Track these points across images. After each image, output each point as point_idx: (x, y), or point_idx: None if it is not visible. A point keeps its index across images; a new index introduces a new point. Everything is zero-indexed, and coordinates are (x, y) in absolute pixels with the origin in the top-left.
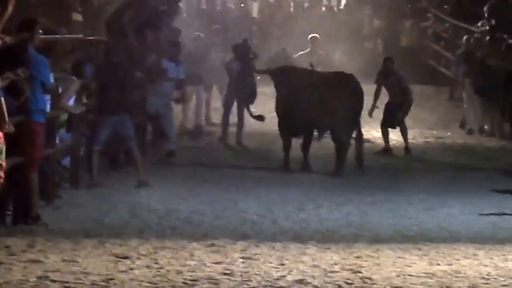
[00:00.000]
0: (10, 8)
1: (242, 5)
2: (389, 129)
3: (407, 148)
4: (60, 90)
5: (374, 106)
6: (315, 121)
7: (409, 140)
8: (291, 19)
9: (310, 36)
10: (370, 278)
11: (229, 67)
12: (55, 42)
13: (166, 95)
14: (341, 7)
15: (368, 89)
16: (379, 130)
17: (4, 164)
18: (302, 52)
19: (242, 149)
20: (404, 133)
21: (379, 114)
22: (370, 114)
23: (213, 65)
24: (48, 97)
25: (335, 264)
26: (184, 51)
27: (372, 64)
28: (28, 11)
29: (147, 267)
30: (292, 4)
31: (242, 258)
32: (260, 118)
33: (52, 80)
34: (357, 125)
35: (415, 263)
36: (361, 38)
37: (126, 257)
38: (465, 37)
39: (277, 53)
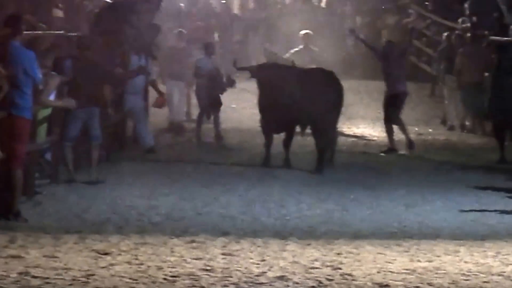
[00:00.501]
0: None
1: (223, 1)
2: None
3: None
4: (41, 86)
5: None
6: (296, 117)
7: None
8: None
9: (302, 32)
10: (350, 275)
11: (200, 65)
12: (35, 38)
13: (137, 92)
14: (322, 4)
15: (350, 85)
16: (360, 126)
17: None
18: (295, 49)
19: (221, 144)
20: (401, 128)
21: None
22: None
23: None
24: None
25: (316, 260)
26: (165, 47)
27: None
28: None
29: (128, 263)
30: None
31: (223, 254)
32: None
33: (40, 76)
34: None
35: (395, 259)
36: (343, 35)
37: (106, 253)
38: (445, 34)
39: (265, 49)
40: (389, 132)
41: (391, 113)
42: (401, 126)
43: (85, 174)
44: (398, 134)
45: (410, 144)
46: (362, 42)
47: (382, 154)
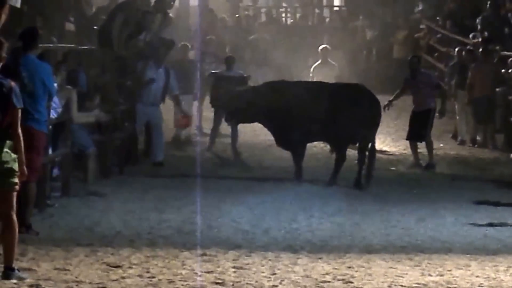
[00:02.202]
0: (3, 17)
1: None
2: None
3: (430, 164)
4: (56, 99)
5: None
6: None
7: (402, 151)
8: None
9: (320, 47)
10: None
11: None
12: (47, 51)
13: (155, 103)
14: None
15: None
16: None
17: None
18: (314, 65)
19: (238, 161)
20: (428, 146)
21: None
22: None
23: (205, 75)
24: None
25: (327, 274)
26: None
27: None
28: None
29: (139, 276)
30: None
31: (234, 267)
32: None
33: (55, 88)
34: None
35: (407, 273)
36: (354, 49)
37: (117, 266)
38: (457, 49)
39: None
40: (413, 148)
41: (425, 130)
42: (431, 144)
43: (97, 187)
44: (409, 149)
45: (430, 164)
46: (396, 99)
47: (392, 168)
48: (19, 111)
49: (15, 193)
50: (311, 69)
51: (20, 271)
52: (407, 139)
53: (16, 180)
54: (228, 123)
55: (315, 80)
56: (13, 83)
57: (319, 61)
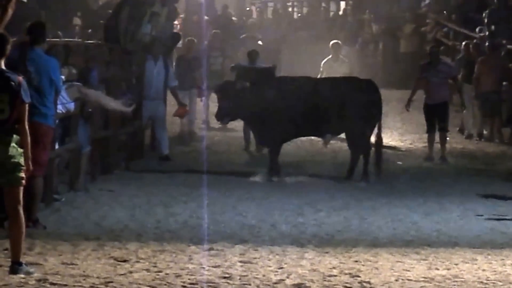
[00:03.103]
0: (10, 11)
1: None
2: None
3: (444, 157)
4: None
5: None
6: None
7: (408, 145)
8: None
9: (331, 42)
10: (369, 282)
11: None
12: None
13: (158, 98)
14: (340, 12)
15: None
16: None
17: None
18: (325, 60)
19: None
20: (442, 139)
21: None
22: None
23: (212, 69)
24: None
25: (334, 268)
26: (177, 55)
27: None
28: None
29: (146, 270)
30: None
31: (241, 262)
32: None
33: (62, 83)
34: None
35: (413, 267)
36: (360, 43)
37: (125, 260)
38: (464, 43)
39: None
40: (430, 140)
41: (445, 122)
42: (446, 138)
43: (103, 182)
44: (415, 143)
45: (444, 157)
46: (414, 95)
47: (399, 163)
48: (27, 106)
49: (21, 188)
50: (321, 64)
51: (27, 266)
52: (427, 133)
53: (23, 175)
54: (221, 121)
55: (324, 75)
56: (21, 78)
57: (330, 57)
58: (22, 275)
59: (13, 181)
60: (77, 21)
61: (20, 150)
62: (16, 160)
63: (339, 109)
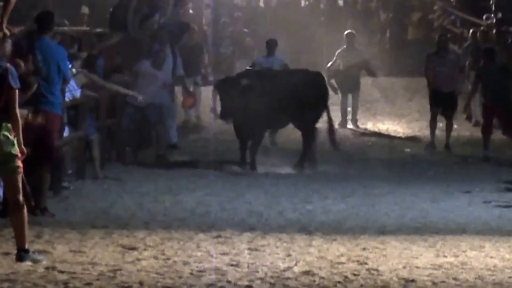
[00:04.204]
0: (12, 1)
1: None
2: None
3: (447, 145)
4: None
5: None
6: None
7: (416, 132)
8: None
9: (346, 32)
10: (376, 270)
11: (257, 62)
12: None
13: (167, 86)
14: None
15: (375, 82)
16: (385, 122)
17: (19, 154)
18: (339, 50)
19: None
20: (448, 128)
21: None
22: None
23: (221, 59)
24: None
25: (342, 255)
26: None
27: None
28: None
29: (154, 258)
30: None
31: (249, 249)
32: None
33: (69, 72)
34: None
35: (421, 254)
36: (368, 31)
37: (133, 248)
38: (471, 30)
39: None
40: (432, 127)
41: (453, 111)
42: (452, 127)
43: (111, 170)
44: (423, 130)
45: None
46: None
47: (407, 150)
48: (16, 91)
49: (19, 176)
50: (335, 54)
51: (35, 253)
52: (430, 119)
53: (18, 163)
54: (225, 120)
55: (340, 65)
56: (8, 64)
57: (344, 47)
58: (30, 263)
59: (9, 171)
60: (85, 9)
61: (12, 139)
62: (8, 150)
63: (296, 101)
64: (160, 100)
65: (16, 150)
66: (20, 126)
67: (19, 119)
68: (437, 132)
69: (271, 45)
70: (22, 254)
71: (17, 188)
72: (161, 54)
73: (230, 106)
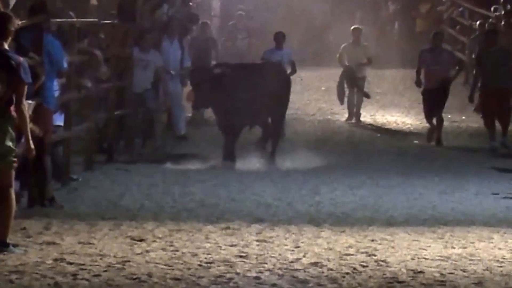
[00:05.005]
0: None
1: None
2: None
3: (438, 140)
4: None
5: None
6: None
7: (425, 124)
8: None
9: (352, 27)
10: (385, 261)
11: (266, 56)
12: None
13: (174, 77)
14: None
15: (384, 74)
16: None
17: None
18: (344, 44)
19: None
20: (439, 123)
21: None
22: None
23: (238, 52)
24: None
25: (350, 247)
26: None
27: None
28: None
29: (163, 249)
30: None
31: (257, 240)
32: None
33: (65, 65)
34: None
35: (430, 246)
36: (377, 23)
37: (141, 240)
38: (478, 22)
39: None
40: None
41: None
42: (443, 121)
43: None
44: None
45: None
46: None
47: (416, 142)
48: (26, 86)
49: (13, 170)
50: (340, 49)
51: (15, 247)
52: (427, 119)
53: (14, 158)
54: (197, 110)
55: (345, 60)
56: (22, 58)
57: (350, 42)
58: (39, 255)
59: (5, 165)
60: (93, 0)
61: (12, 134)
62: (7, 144)
63: (268, 93)
64: (169, 91)
65: (15, 144)
66: (27, 120)
67: (26, 113)
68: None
69: (279, 38)
70: (1, 247)
71: (10, 181)
72: (147, 37)
73: (203, 96)
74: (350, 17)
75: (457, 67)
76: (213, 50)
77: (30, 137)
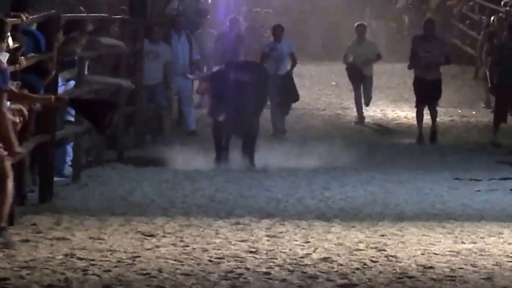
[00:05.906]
0: None
1: None
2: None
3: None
4: None
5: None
6: None
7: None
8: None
9: (356, 24)
10: (395, 256)
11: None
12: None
13: (184, 73)
14: None
15: (394, 68)
16: (404, 109)
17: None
18: (350, 43)
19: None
20: (433, 117)
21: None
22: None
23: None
24: None
25: (360, 242)
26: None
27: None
28: None
29: (173, 245)
30: None
31: (267, 236)
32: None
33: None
34: None
35: (439, 241)
36: (387, 17)
37: (152, 235)
38: (492, 17)
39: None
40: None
41: (437, 100)
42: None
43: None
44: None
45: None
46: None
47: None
48: (5, 94)
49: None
50: (346, 47)
51: (5, 230)
52: (416, 107)
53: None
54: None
55: (350, 58)
56: (3, 65)
57: (355, 39)
58: (49, 251)
59: None
60: None
61: None
62: None
63: (250, 93)
64: (178, 87)
65: None
66: (9, 127)
67: (6, 119)
68: (459, 118)
69: (277, 32)
70: None
71: (5, 174)
72: (156, 29)
73: (224, 105)
74: (361, 11)
75: (444, 60)
76: (241, 47)
77: (13, 142)
